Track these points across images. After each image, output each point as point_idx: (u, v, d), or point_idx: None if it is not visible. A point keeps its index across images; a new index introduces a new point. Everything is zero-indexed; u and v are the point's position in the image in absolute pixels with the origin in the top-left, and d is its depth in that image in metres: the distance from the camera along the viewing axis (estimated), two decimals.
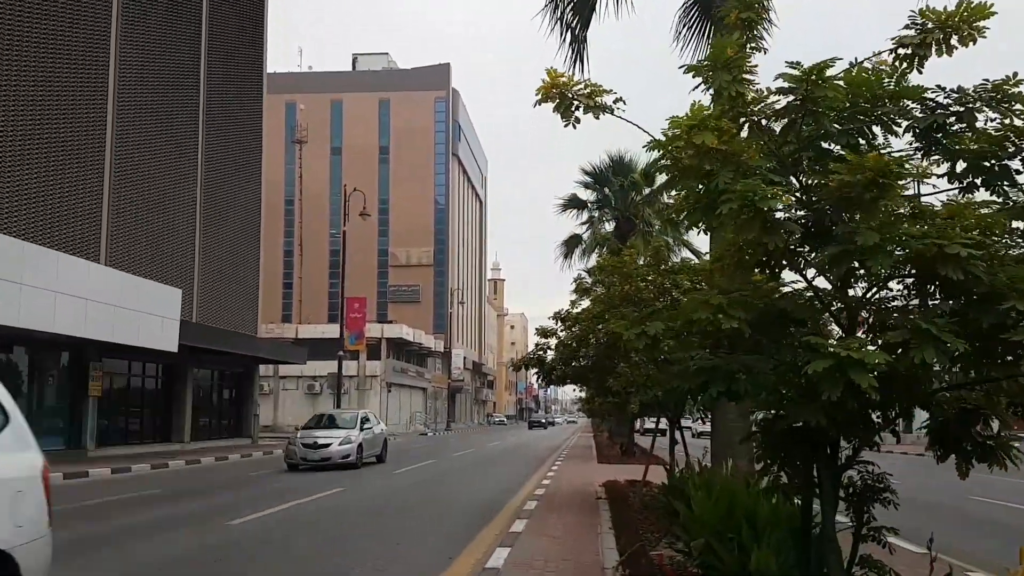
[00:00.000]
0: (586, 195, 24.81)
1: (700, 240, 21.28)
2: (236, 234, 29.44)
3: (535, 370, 11.54)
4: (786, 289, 4.10)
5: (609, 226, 24.22)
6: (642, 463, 18.81)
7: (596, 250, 23.19)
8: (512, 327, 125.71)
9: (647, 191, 24.09)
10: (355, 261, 68.81)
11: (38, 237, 18.35)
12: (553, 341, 10.83)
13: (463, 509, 10.55)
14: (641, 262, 10.44)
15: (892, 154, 3.49)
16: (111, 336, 18.86)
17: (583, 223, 24.73)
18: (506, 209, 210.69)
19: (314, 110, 69.97)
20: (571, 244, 24.30)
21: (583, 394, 30.82)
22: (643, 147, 5.08)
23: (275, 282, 68.92)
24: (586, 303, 11.15)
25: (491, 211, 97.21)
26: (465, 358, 73.34)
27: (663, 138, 3.81)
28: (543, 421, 75.53)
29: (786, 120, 3.78)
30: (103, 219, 21.33)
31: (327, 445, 17.81)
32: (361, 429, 19.01)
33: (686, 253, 20.03)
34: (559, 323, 10.99)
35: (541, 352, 11.16)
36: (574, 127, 4.32)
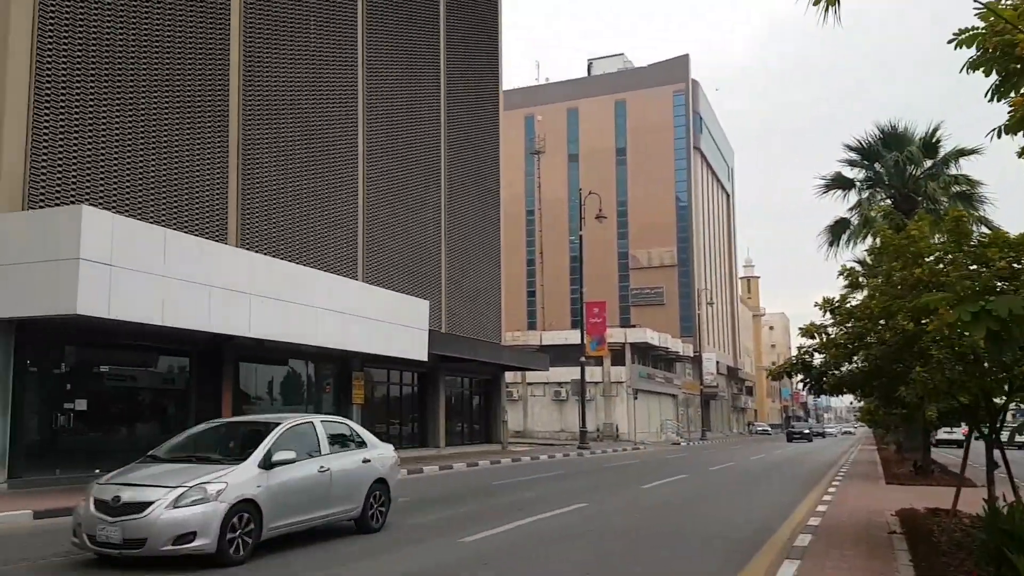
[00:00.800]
0: (852, 173, 21.77)
1: (999, 216, 17.67)
2: (478, 246, 30.15)
3: (800, 378, 9.70)
4: None
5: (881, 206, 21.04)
6: (943, 484, 15.83)
7: (866, 234, 20.15)
8: (771, 328, 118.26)
9: (928, 163, 20.62)
10: (595, 265, 68.87)
11: (308, 260, 19.74)
12: (821, 340, 9.04)
13: (717, 541, 9.08)
14: (936, 240, 8.34)
15: None
16: (368, 347, 19.81)
17: (851, 208, 21.72)
18: (759, 202, 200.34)
19: (550, 120, 71.21)
20: (837, 230, 21.39)
21: (861, 403, 27.17)
22: (951, 40, 3.55)
23: (519, 291, 71.00)
24: (859, 297, 9.18)
25: (741, 206, 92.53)
26: (718, 362, 69.89)
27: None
28: (806, 432, 58.52)
29: None
30: (359, 240, 22.60)
31: (139, 509, 6.93)
32: (269, 462, 7.77)
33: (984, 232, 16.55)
34: (828, 315, 9.09)
35: (807, 356, 9.33)
36: None
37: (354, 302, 19.25)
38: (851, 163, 21.62)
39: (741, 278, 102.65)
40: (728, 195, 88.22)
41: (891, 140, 20.55)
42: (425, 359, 22.60)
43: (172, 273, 13.35)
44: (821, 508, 11.88)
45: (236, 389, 17.79)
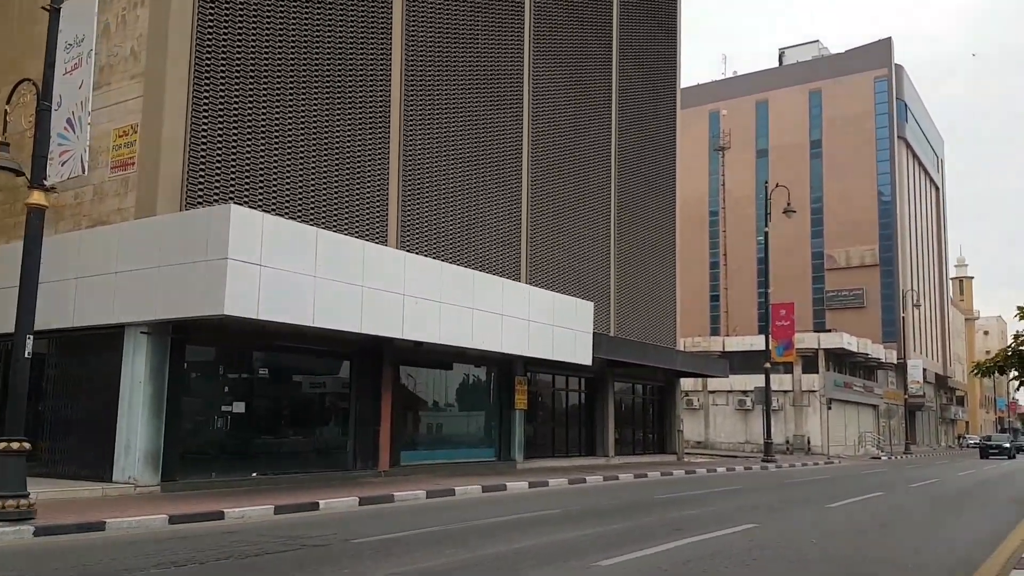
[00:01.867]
0: None
1: None
2: (651, 248, 28.76)
3: (1014, 374, 7.62)
4: None
5: None
6: None
7: None
8: (986, 333, 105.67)
9: None
10: (785, 266, 64.38)
11: (469, 262, 19.47)
12: None
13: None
14: None
15: None
16: (529, 350, 19.18)
17: None
18: (974, 196, 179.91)
19: (737, 114, 67.69)
20: None
21: None
22: None
23: (701, 295, 67.90)
24: None
25: (953, 200, 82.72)
26: (925, 370, 62.85)
27: None
28: (1005, 447, 46.32)
29: None
30: (522, 242, 22.07)
31: None
32: None
33: None
34: None
35: None
36: None
37: (515, 304, 18.66)
38: None
39: (952, 279, 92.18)
40: (937, 188, 79.41)
41: None
42: (590, 363, 21.59)
43: (324, 273, 13.34)
44: None
45: (396, 392, 17.74)
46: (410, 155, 18.34)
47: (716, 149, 63.94)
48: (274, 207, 14.62)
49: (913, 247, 67.64)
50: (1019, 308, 7.11)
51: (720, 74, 79.04)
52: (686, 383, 46.38)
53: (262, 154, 14.71)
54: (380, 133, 17.48)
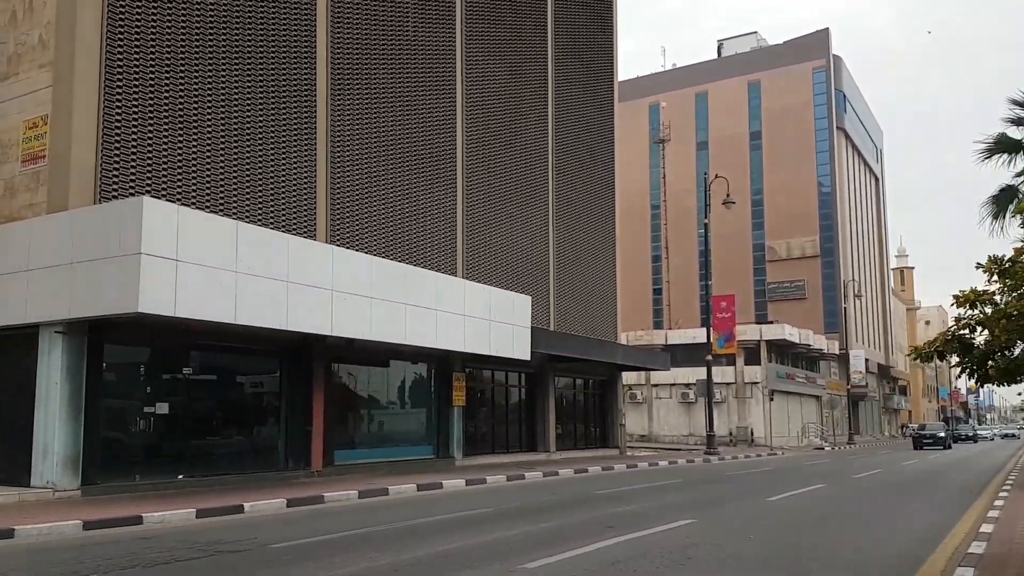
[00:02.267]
0: (1020, 133, 18.53)
1: None
2: (591, 242, 28.74)
3: (956, 360, 7.62)
4: None
5: None
6: None
7: None
8: (927, 323, 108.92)
9: None
10: (728, 259, 65.20)
11: (402, 256, 19.08)
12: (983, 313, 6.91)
13: (847, 575, 7.27)
14: None
15: None
16: (465, 346, 18.86)
17: (1018, 174, 18.45)
18: (911, 188, 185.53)
19: (677, 107, 68.19)
20: (1003, 200, 18.09)
21: None
22: None
23: (644, 289, 68.39)
24: None
25: (893, 192, 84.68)
26: (867, 360, 64.36)
27: None
28: (940, 436, 43.08)
29: None
30: (458, 236, 21.74)
31: None
32: None
33: None
34: (995, 278, 6.99)
35: (965, 333, 7.24)
36: None
37: (449, 299, 18.35)
38: (1017, 121, 18.39)
39: (893, 269, 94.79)
40: (877, 178, 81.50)
41: None
42: (528, 358, 21.41)
43: (246, 268, 12.84)
44: (985, 528, 9.59)
45: (329, 391, 17.27)
46: (338, 146, 17.85)
47: (656, 142, 64.33)
48: (194, 200, 14.03)
49: (854, 238, 69.24)
50: (954, 296, 7.10)
51: (660, 66, 79.57)
52: (629, 377, 46.49)
53: (180, 145, 14.10)
54: (306, 123, 16.95)
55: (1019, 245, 7.72)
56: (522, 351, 21.19)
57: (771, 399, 42.36)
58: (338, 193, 17.69)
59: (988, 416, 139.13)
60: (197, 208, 13.48)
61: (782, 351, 49.54)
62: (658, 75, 73.11)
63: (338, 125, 17.81)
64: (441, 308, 17.88)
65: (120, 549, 8.23)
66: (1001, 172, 24.61)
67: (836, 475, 20.63)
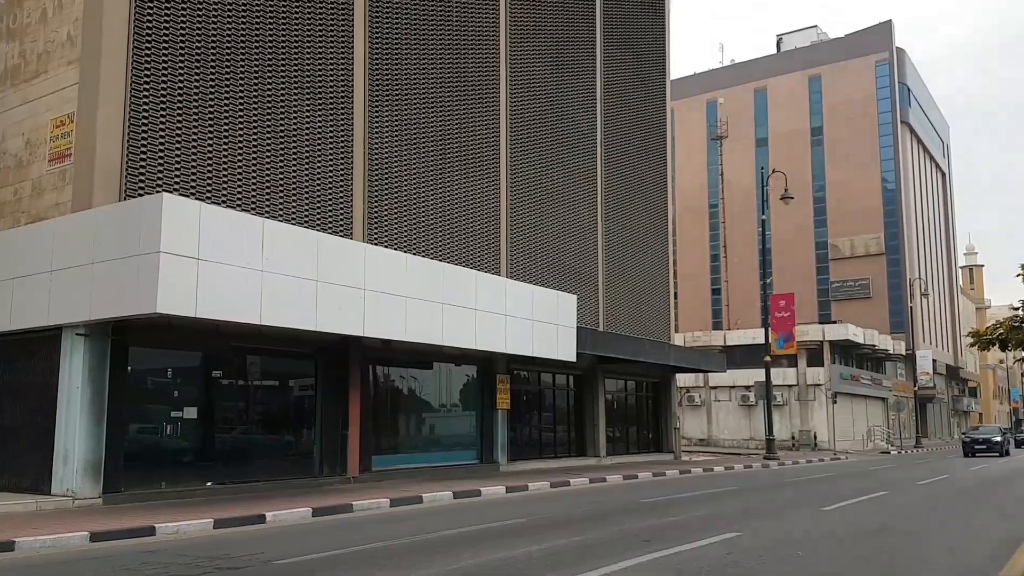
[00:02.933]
0: None
1: None
2: (643, 240, 27.83)
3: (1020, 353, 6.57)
4: None
5: None
6: None
7: None
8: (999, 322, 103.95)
9: None
10: (789, 258, 63.18)
11: (443, 255, 18.58)
12: None
13: None
14: None
15: None
16: (507, 347, 18.21)
17: None
18: (982, 184, 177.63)
19: (735, 103, 66.49)
20: None
21: None
22: None
23: (702, 288, 66.74)
24: None
25: (962, 188, 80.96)
26: (935, 361, 61.52)
27: None
28: (995, 440, 35.62)
29: None
30: (502, 234, 21.12)
31: None
32: None
33: None
34: None
35: None
36: None
37: (489, 298, 17.71)
38: None
39: (962, 267, 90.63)
40: (944, 174, 78.02)
41: None
42: (573, 359, 20.63)
43: (272, 267, 12.44)
44: None
45: (366, 393, 16.82)
46: (377, 141, 17.41)
47: (714, 139, 62.80)
48: (223, 198, 13.72)
49: (920, 235, 66.33)
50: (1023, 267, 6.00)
51: (717, 62, 77.72)
52: (687, 379, 45.32)
53: (209, 142, 13.81)
54: (343, 119, 16.54)
55: None
56: (567, 352, 20.44)
57: (834, 401, 40.59)
58: (377, 190, 17.25)
59: None
60: (227, 206, 13.15)
61: (846, 352, 47.54)
62: (716, 71, 71.38)
63: (376, 120, 17.38)
64: (480, 307, 17.27)
65: (119, 563, 7.81)
66: None
67: (899, 482, 19.30)
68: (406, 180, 18.14)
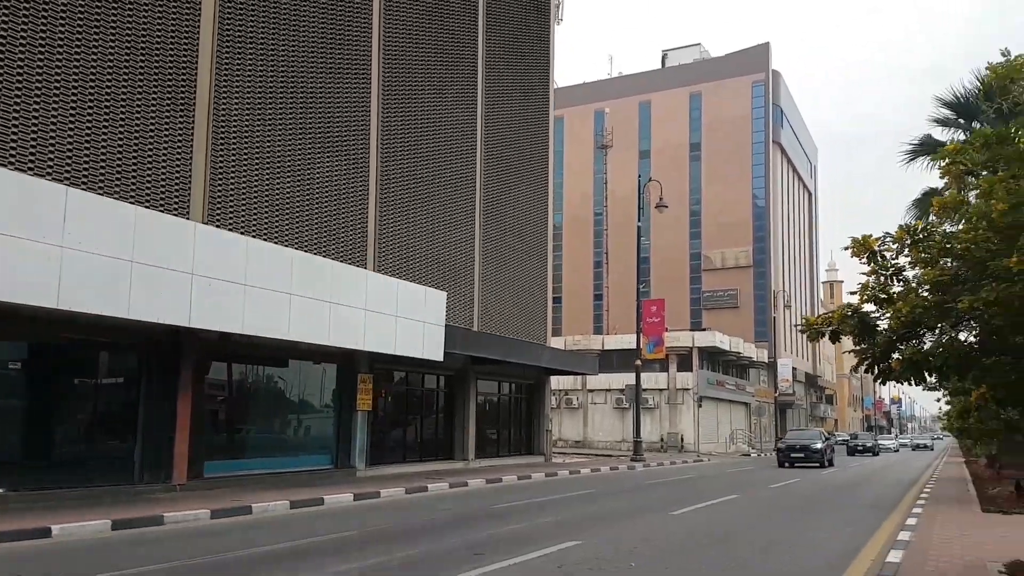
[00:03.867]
0: (944, 135, 17.74)
1: None
2: (522, 243, 27.29)
3: (855, 343, 6.22)
4: None
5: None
6: None
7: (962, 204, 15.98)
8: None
9: None
10: (665, 268, 64.89)
11: (295, 241, 17.27)
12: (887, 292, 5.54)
13: None
14: None
15: None
16: (366, 344, 17.03)
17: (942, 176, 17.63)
18: (844, 205, 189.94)
19: (621, 115, 67.66)
20: (925, 203, 17.48)
21: (945, 403, 22.76)
22: None
23: (585, 294, 67.56)
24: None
25: (825, 209, 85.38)
26: (795, 369, 64.69)
27: None
28: (815, 448, 30.54)
29: None
30: (369, 224, 19.94)
31: None
32: None
33: None
34: (906, 251, 5.62)
35: (868, 311, 5.86)
36: None
37: (347, 290, 16.51)
38: (943, 122, 17.60)
39: (823, 282, 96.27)
40: (810, 194, 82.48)
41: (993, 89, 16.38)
42: (440, 358, 19.72)
43: (76, 244, 10.85)
44: (893, 557, 8.31)
45: (200, 393, 15.27)
46: (224, 113, 15.92)
47: (599, 147, 63.63)
48: (20, 161, 11.97)
49: (786, 250, 69.63)
50: (890, 235, 5.65)
51: (606, 74, 79.09)
52: (565, 382, 45.47)
53: (4, 95, 12.03)
54: (183, 85, 14.98)
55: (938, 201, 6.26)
56: (434, 351, 19.49)
57: (700, 405, 41.63)
58: (222, 167, 15.74)
59: (909, 426, 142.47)
60: (26, 172, 11.45)
61: (713, 358, 49.05)
62: (604, 82, 72.56)
63: (225, 88, 15.87)
64: (336, 300, 16.07)
65: None
66: (925, 176, 23.97)
67: (753, 485, 19.56)
68: (259, 159, 16.73)
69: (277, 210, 17.09)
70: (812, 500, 16.16)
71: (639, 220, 33.81)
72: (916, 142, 17.83)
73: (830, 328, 6.25)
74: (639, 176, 67.38)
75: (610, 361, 44.73)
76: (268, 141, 16.96)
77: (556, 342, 45.72)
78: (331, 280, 16.12)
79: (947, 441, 77.36)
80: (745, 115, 66.34)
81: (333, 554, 8.54)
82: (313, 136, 18.24)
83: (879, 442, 55.11)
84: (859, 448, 48.03)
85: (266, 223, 16.72)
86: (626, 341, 45.35)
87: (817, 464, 29.94)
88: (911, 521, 11.26)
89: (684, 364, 45.51)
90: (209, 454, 15.61)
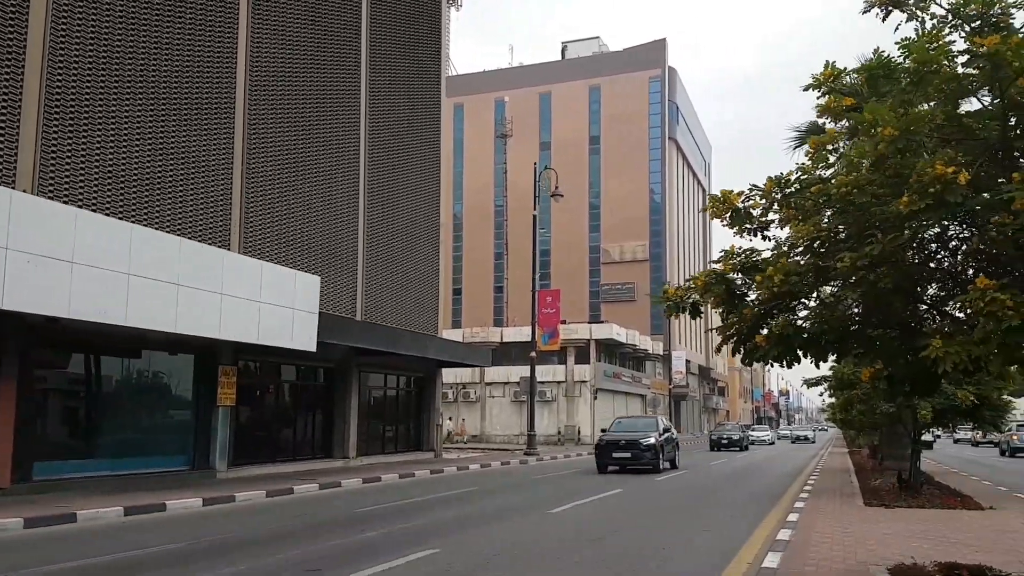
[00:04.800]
0: (831, 125, 17.63)
1: None
2: (411, 231, 25.99)
3: (721, 314, 5.47)
4: None
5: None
6: (940, 505, 11.87)
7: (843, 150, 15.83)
8: None
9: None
10: (565, 259, 64.90)
11: (155, 223, 15.51)
12: (765, 254, 4.82)
13: None
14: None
15: None
16: (214, 332, 15.40)
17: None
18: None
19: (522, 105, 67.08)
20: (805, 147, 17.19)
21: (827, 393, 23.09)
22: None
23: (486, 285, 66.79)
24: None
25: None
26: (689, 361, 66.03)
27: None
28: (644, 445, 21.75)
29: None
30: (234, 202, 18.28)
31: None
32: None
33: None
34: (775, 205, 4.88)
35: (734, 272, 5.11)
36: None
37: (202, 272, 14.91)
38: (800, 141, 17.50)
39: None
40: (704, 190, 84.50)
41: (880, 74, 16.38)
42: (313, 349, 18.28)
43: None
44: (770, 560, 7.69)
45: (27, 385, 13.42)
46: (60, 77, 14.04)
47: (499, 136, 62.89)
48: None
49: (681, 246, 70.96)
50: (712, 199, 4.89)
51: (508, 63, 78.51)
52: (464, 375, 44.45)
53: None
54: (11, 40, 13.06)
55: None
56: (305, 341, 18.05)
57: (595, 397, 41.54)
58: (55, 137, 13.86)
59: (797, 417, 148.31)
60: None
61: (611, 351, 49.23)
62: (505, 71, 71.86)
63: (60, 46, 13.98)
64: (187, 283, 14.46)
65: None
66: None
67: (639, 479, 19.10)
68: (101, 128, 14.86)
69: (121, 181, 15.27)
70: (701, 490, 15.76)
71: (535, 209, 33.12)
72: (803, 129, 17.68)
73: (692, 299, 5.44)
74: (540, 168, 67.32)
75: (509, 353, 44.11)
76: (110, 108, 15.11)
77: (454, 334, 44.74)
78: (182, 260, 14.50)
79: (832, 432, 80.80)
80: (642, 110, 67.06)
81: (148, 570, 7.20)
82: (167, 106, 16.45)
83: (753, 434, 49.33)
84: (723, 442, 38.95)
85: (109, 197, 14.90)
86: (525, 333, 44.73)
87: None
88: (792, 517, 10.80)
89: (582, 356, 45.37)
90: (40, 454, 13.82)
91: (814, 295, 4.80)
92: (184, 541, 9.27)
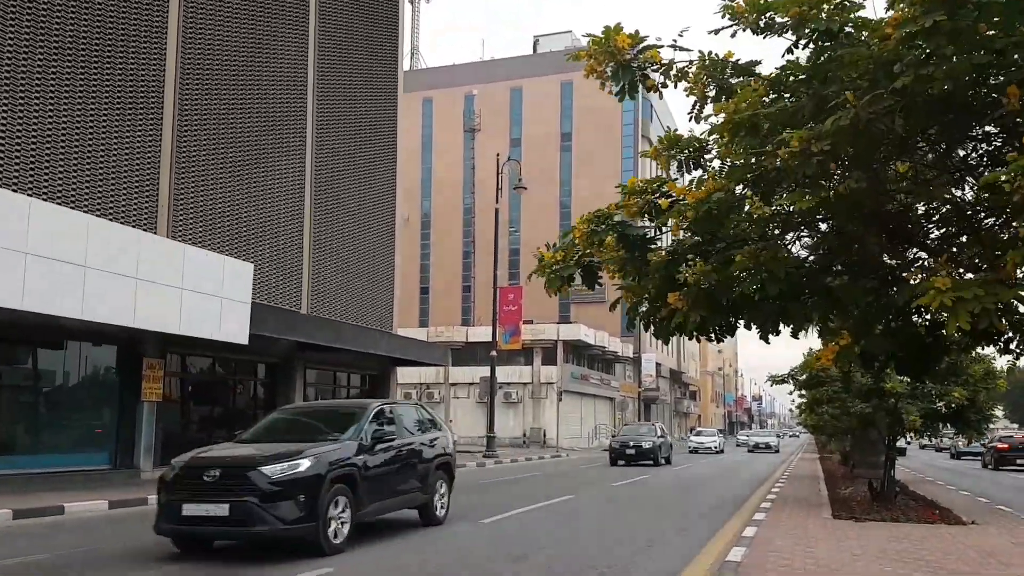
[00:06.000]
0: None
1: None
2: (365, 223, 24.70)
3: (619, 279, 4.33)
4: None
5: None
6: (916, 519, 10.88)
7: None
8: None
9: None
10: (534, 258, 63.61)
11: (68, 201, 14.17)
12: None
13: None
14: None
15: None
16: (128, 320, 14.06)
17: None
18: None
19: (492, 100, 65.85)
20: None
21: (797, 397, 22.10)
22: None
23: (455, 285, 65.47)
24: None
25: None
26: (659, 364, 65.19)
27: None
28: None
29: None
30: (161, 183, 16.94)
31: None
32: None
33: None
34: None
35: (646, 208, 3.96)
36: None
37: (115, 255, 13.60)
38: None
39: None
40: None
41: None
42: (244, 341, 16.97)
43: None
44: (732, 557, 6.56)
45: None
46: None
47: (467, 130, 61.71)
48: None
49: None
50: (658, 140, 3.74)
51: (478, 58, 77.47)
52: (427, 374, 43.21)
53: None
54: None
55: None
56: (236, 333, 16.74)
57: (560, 399, 40.50)
58: None
59: (769, 422, 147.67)
60: None
61: (579, 352, 48.26)
62: (476, 64, 70.67)
63: None
64: (94, 265, 13.13)
65: None
66: None
67: (595, 483, 18.06)
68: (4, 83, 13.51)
69: (31, 156, 13.90)
70: (658, 498, 14.74)
71: (496, 202, 32.02)
72: None
73: (586, 262, 4.28)
74: (507, 160, 66.11)
75: (474, 353, 42.94)
76: (17, 61, 13.75)
77: (419, 333, 43.48)
78: (90, 241, 13.18)
79: (804, 438, 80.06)
80: (615, 107, 66.06)
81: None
82: (85, 78, 15.10)
83: (693, 440, 43.12)
84: (628, 453, 27.57)
85: (19, 172, 13.54)
86: (489, 333, 43.73)
87: (651, 462, 27.20)
88: (749, 532, 9.69)
89: (549, 358, 44.37)
90: None
91: (748, 224, 3.57)
92: (45, 553, 8.01)
